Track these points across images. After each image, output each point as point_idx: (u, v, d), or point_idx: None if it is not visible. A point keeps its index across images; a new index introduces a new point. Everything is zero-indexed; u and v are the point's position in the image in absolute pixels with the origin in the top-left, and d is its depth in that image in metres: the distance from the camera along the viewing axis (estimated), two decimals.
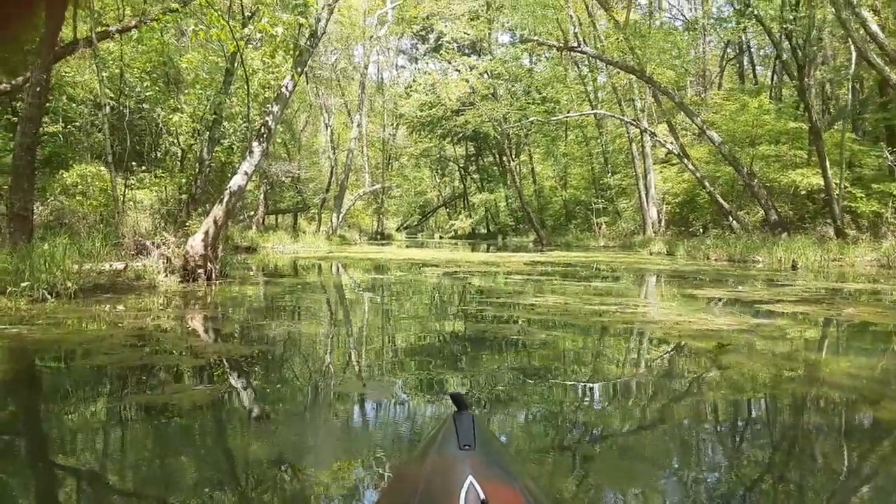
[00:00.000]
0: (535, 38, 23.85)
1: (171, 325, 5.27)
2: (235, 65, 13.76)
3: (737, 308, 6.72)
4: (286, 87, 9.78)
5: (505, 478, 1.21)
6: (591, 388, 3.60)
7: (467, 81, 28.55)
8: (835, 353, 4.68)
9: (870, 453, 2.66)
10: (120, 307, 6.38)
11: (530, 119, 30.50)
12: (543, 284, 9.79)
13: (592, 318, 5.74)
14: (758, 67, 36.44)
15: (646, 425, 2.91)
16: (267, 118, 9.68)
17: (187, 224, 10.76)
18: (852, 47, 20.48)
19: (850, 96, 21.16)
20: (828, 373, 3.93)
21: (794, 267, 14.52)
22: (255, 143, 9.51)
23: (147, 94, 13.40)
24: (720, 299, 7.56)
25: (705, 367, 4.03)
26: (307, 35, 9.81)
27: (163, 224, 13.79)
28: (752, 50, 35.56)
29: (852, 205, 19.24)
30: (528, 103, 32.93)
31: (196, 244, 8.87)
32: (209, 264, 8.87)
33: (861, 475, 2.47)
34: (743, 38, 33.08)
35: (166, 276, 8.79)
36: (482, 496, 1.07)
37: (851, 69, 19.93)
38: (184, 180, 15.13)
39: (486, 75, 31.07)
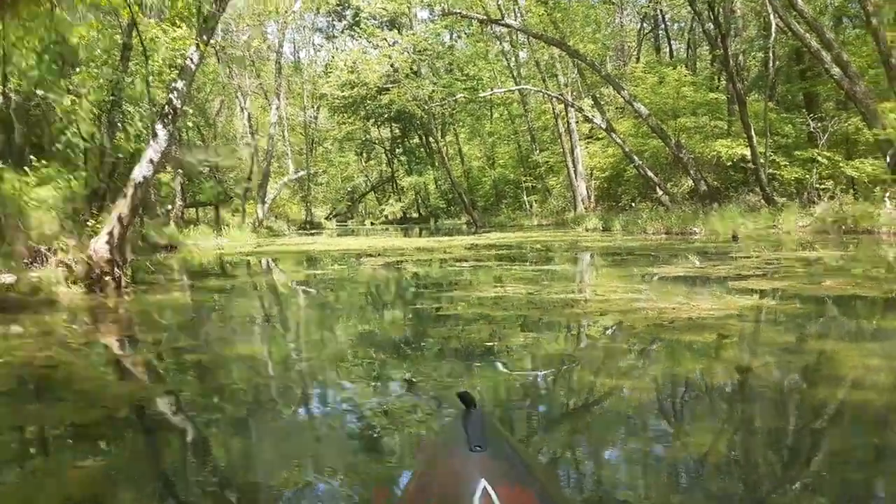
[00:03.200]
0: (458, 10, 23.09)
1: (64, 357, 4.26)
2: (133, 37, 12.40)
3: (711, 288, 6.25)
4: (191, 59, 8.68)
5: (518, 479, 1.18)
6: (600, 415, 2.93)
7: (389, 57, 27.53)
8: (844, 337, 4.19)
9: None
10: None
11: (456, 96, 29.82)
12: (494, 271, 9.14)
13: (566, 311, 5.09)
14: (673, 42, 36.93)
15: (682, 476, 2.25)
16: (171, 96, 8.57)
17: (89, 224, 9.51)
18: (772, 16, 20.73)
19: (771, 65, 21.39)
20: (854, 368, 3.39)
21: (734, 237, 14.45)
22: (159, 126, 8.40)
23: (32, 73, 11.88)
24: (687, 278, 7.10)
25: (723, 374, 3.43)
26: None
27: (71, 225, 12.38)
28: (667, 24, 35.97)
29: (776, 172, 19.49)
30: (454, 80, 32.27)
31: (100, 247, 7.75)
32: (117, 270, 7.76)
33: None
34: (659, 11, 33.37)
35: (69, 286, 7.64)
36: (496, 501, 1.05)
37: (772, 38, 20.11)
38: (84, 174, 13.64)
39: (407, 52, 30.10)
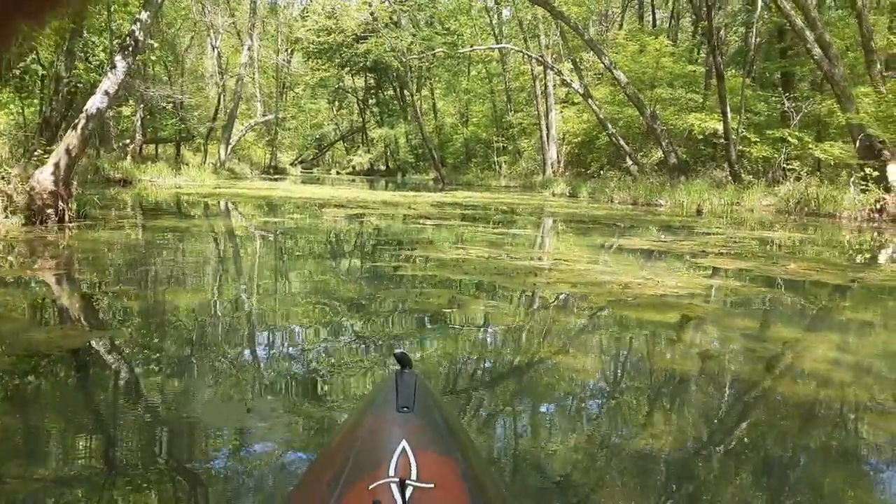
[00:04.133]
0: None
1: None
2: None
3: (676, 265, 6.14)
4: None
5: (440, 444, 1.17)
6: (545, 387, 2.78)
7: (369, 5, 26.64)
8: (808, 326, 4.10)
9: None
10: None
11: (435, 51, 29.13)
12: (458, 231, 8.93)
13: (528, 279, 4.93)
14: (656, 11, 36.53)
15: (628, 461, 2.12)
16: (133, 27, 8.02)
17: (36, 154, 8.98)
18: None
19: (753, 40, 21.28)
20: (815, 361, 3.30)
21: (698, 212, 14.48)
22: (118, 58, 7.88)
23: None
24: (651, 252, 6.99)
25: (683, 355, 3.29)
26: None
27: (21, 152, 11.75)
28: None
29: (746, 149, 19.54)
30: (434, 33, 31.51)
31: (44, 178, 7.30)
32: (61, 203, 7.34)
33: None
34: None
35: (6, 217, 7.20)
36: (413, 463, 1.05)
37: (757, 12, 19.97)
38: (35, 101, 12.93)
39: (388, 1, 29.17)
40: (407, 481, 1.00)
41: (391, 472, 1.03)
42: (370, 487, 1.01)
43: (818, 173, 16.74)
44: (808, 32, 16.24)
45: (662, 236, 8.58)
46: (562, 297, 4.44)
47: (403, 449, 1.08)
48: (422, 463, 1.06)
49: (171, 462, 1.96)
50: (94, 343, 3.03)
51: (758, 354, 3.34)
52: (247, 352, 3.10)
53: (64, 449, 2.01)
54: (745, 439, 2.30)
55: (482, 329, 3.62)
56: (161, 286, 4.57)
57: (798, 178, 16.08)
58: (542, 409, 2.56)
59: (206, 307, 3.94)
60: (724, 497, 1.87)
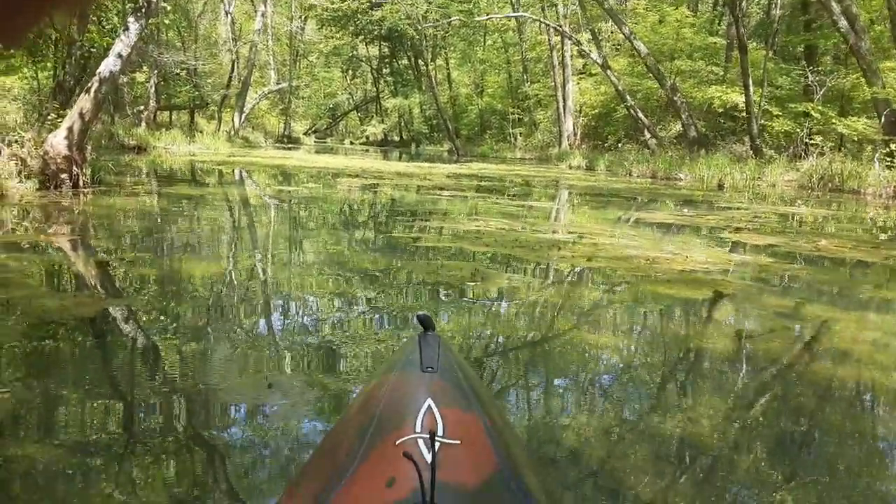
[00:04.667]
0: None
1: None
2: None
3: (702, 240, 5.98)
4: None
5: (464, 402, 1.18)
6: (576, 372, 2.67)
7: None
8: (843, 305, 3.94)
9: None
10: None
11: (451, 19, 28.64)
12: (476, 203, 8.78)
13: (551, 252, 4.78)
14: None
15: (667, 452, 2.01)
16: None
17: (50, 119, 8.88)
18: None
19: (776, 12, 20.71)
20: (854, 342, 3.16)
21: (720, 186, 14.22)
22: (131, 20, 7.71)
23: None
24: (675, 226, 6.82)
25: (717, 333, 3.16)
26: None
27: (36, 117, 11.67)
28: None
29: (767, 123, 19.14)
30: (450, 1, 30.95)
31: (58, 142, 7.20)
32: (75, 168, 7.25)
33: None
34: None
35: (21, 181, 7.13)
36: (439, 420, 1.06)
37: None
38: (48, 65, 12.80)
39: None
40: (435, 437, 1.00)
41: (418, 429, 1.04)
42: (397, 443, 1.02)
43: (842, 149, 16.36)
44: (834, 4, 15.76)
45: (685, 210, 8.39)
46: (587, 271, 4.29)
47: (429, 407, 1.09)
48: (447, 420, 1.07)
49: (189, 431, 1.91)
50: (107, 311, 2.94)
51: (795, 334, 3.20)
52: (264, 322, 3.02)
53: (80, 418, 1.93)
54: (786, 424, 2.18)
55: (506, 303, 3.50)
56: (176, 254, 4.48)
57: (821, 154, 15.74)
58: (571, 387, 2.46)
59: (222, 276, 3.84)
60: (765, 486, 1.76)
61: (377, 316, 3.13)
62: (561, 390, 2.42)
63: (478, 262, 4.41)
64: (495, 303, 3.49)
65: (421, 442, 1.01)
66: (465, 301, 3.46)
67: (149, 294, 3.33)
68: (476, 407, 1.18)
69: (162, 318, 2.89)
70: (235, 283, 3.68)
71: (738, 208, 9.11)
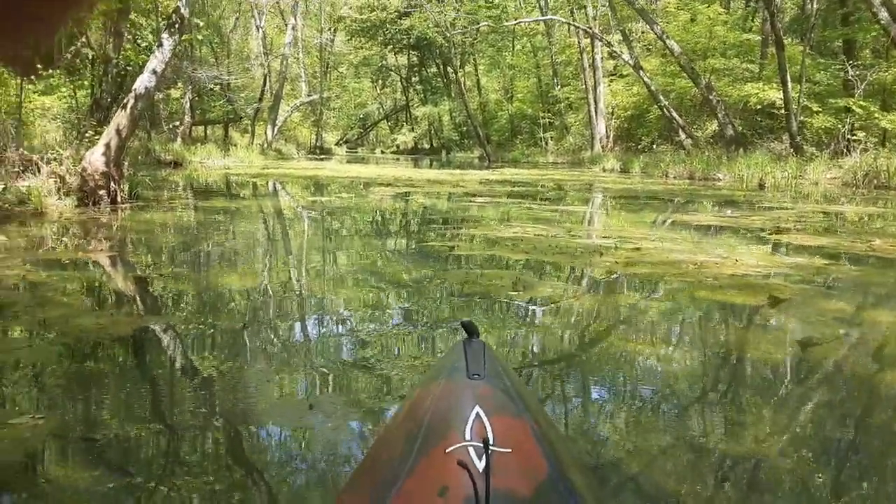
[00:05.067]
0: None
1: (37, 277, 3.83)
2: None
3: (751, 242, 5.75)
4: None
5: (512, 409, 1.17)
6: (633, 389, 2.52)
7: None
8: None
9: None
10: None
11: (480, 24, 28.59)
12: (511, 209, 8.64)
13: (594, 259, 4.62)
14: None
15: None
16: (179, 4, 7.90)
17: (87, 136, 9.01)
18: None
19: (813, 7, 20.18)
20: None
21: (761, 186, 13.84)
22: (164, 35, 7.77)
23: None
24: (719, 228, 6.59)
25: (778, 343, 2.97)
26: None
27: (75, 135, 11.88)
28: None
29: (807, 120, 18.65)
30: (478, 7, 30.94)
31: (95, 159, 7.28)
32: (112, 184, 7.31)
33: None
34: None
35: (60, 198, 7.22)
36: (488, 427, 1.05)
37: None
38: (84, 83, 13.04)
39: None
40: (489, 445, 0.98)
41: (467, 437, 1.03)
42: (447, 451, 1.01)
43: (886, 144, 15.81)
44: None
45: (728, 211, 8.14)
46: (633, 277, 4.12)
47: (478, 414, 1.08)
48: (497, 428, 1.06)
49: (230, 454, 1.84)
50: (144, 330, 2.88)
51: (860, 342, 3.00)
52: (302, 339, 2.93)
53: (118, 441, 1.85)
54: (862, 444, 2.01)
55: (552, 314, 3.36)
56: (212, 268, 4.44)
57: (865, 150, 15.24)
58: (624, 401, 2.31)
59: (258, 291, 3.78)
60: None
61: (417, 330, 3.02)
62: (613, 404, 2.28)
63: (518, 271, 4.28)
64: (540, 313, 3.35)
65: (472, 450, 1.00)
66: (510, 312, 3.33)
67: (185, 310, 3.27)
68: (524, 413, 1.18)
69: (199, 335, 2.82)
70: (272, 297, 3.61)
71: (782, 208, 8.81)
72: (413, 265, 4.60)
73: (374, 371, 2.49)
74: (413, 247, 5.62)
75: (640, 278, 4.06)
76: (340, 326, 3.07)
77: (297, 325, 3.11)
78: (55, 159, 7.38)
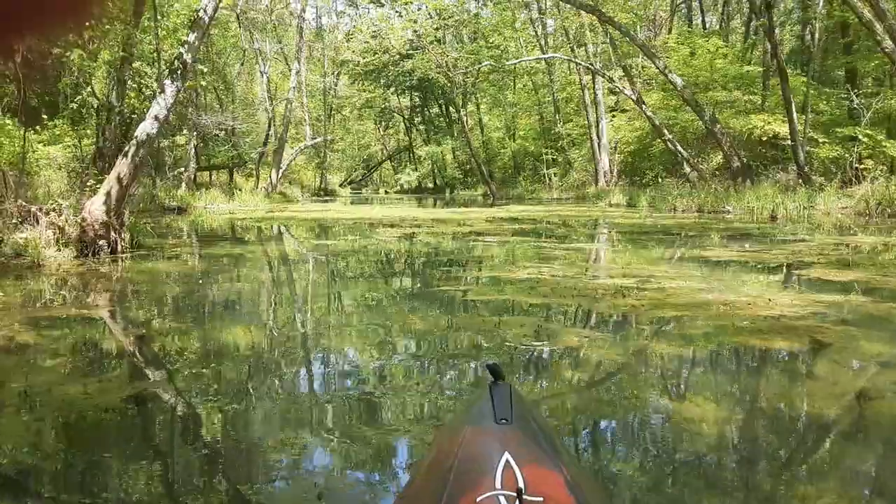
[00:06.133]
0: None
1: (25, 337, 3.58)
2: None
3: (778, 278, 5.50)
4: (205, 11, 7.91)
5: (543, 456, 1.14)
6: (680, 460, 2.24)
7: (414, 22, 26.49)
8: None
9: None
10: None
11: (482, 64, 28.81)
12: (521, 248, 8.42)
13: (617, 301, 4.35)
14: (706, 14, 35.61)
15: None
16: (181, 49, 7.81)
17: (88, 185, 8.88)
18: None
19: (816, 36, 20.24)
20: None
21: (773, 218, 13.62)
22: (167, 82, 7.67)
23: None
24: (744, 264, 6.32)
25: (829, 396, 2.69)
26: None
27: (79, 184, 11.80)
28: None
29: (813, 150, 18.54)
30: (479, 48, 31.30)
31: (95, 209, 7.10)
32: (113, 233, 7.13)
33: None
34: None
35: (58, 250, 7.02)
36: (519, 475, 1.03)
37: (819, 5, 18.97)
38: (88, 132, 13.01)
39: (432, 17, 29.03)
40: (522, 495, 0.96)
41: (498, 485, 1.01)
42: (477, 500, 0.99)
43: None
44: (877, 24, 15.26)
45: (747, 245, 7.89)
46: (663, 322, 3.83)
47: (507, 462, 1.05)
48: (528, 476, 1.03)
49: None
50: (135, 398, 2.61)
51: None
52: (309, 409, 2.62)
53: None
54: None
55: (581, 367, 3.08)
56: (214, 322, 4.19)
57: (875, 179, 15.05)
58: (668, 463, 2.04)
59: (262, 349, 3.51)
60: None
61: (437, 391, 2.75)
62: (654, 465, 2.01)
63: (538, 317, 4.02)
64: (569, 365, 3.08)
65: (503, 499, 0.97)
66: (536, 365, 3.06)
67: (183, 372, 3.01)
68: (555, 460, 1.14)
69: (194, 405, 2.56)
70: (276, 357, 3.33)
71: (799, 240, 8.56)
72: (426, 314, 4.34)
73: (391, 443, 2.22)
74: (424, 293, 5.36)
75: (671, 322, 3.78)
76: (352, 391, 2.79)
77: (305, 389, 2.84)
78: (54, 209, 7.21)
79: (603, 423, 2.48)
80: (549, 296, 4.60)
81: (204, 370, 3.00)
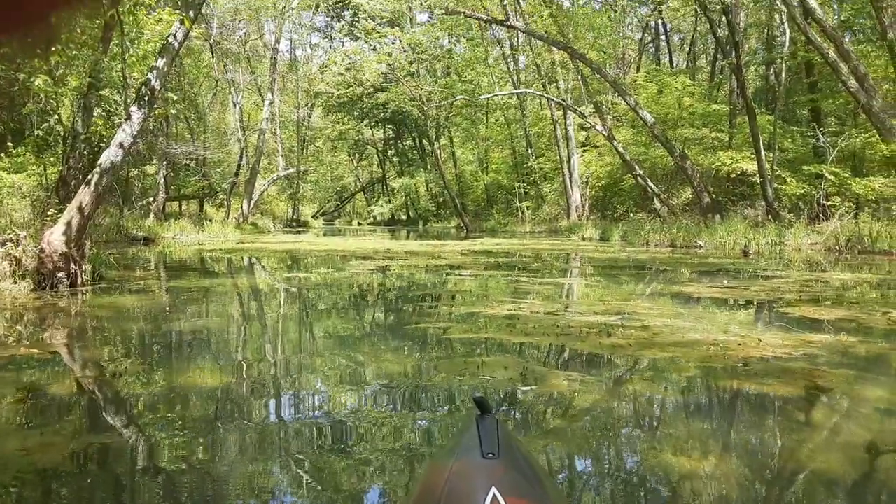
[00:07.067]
0: (463, 10, 22.21)
1: None
2: (115, 16, 11.35)
3: (763, 316, 5.39)
4: (174, 37, 7.70)
5: (530, 491, 1.15)
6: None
7: (389, 56, 26.61)
8: None
9: None
10: None
11: (456, 97, 29.01)
12: (500, 283, 8.25)
13: (602, 340, 4.18)
14: (673, 53, 36.52)
15: None
16: (150, 76, 7.59)
17: (49, 214, 8.53)
18: (785, 25, 20.04)
19: (783, 76, 20.75)
20: None
21: (745, 253, 13.70)
22: (133, 108, 7.42)
23: (1, 50, 10.80)
24: (726, 302, 6.22)
25: (836, 449, 2.53)
26: None
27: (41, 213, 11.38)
28: (668, 34, 35.63)
29: (780, 187, 18.89)
30: (453, 82, 31.57)
31: (54, 239, 6.77)
32: (73, 265, 6.79)
33: None
34: (660, 22, 32.90)
35: (14, 282, 6.67)
36: None
37: (785, 46, 19.45)
38: (53, 159, 12.63)
39: (405, 52, 29.21)
40: None
41: None
42: None
43: (868, 208, 15.90)
44: (842, 65, 15.68)
45: (724, 281, 7.82)
46: (654, 364, 3.65)
47: (494, 496, 1.05)
48: None
49: None
50: (82, 454, 2.33)
51: None
52: (285, 465, 2.40)
53: None
54: None
55: (572, 415, 2.88)
56: (177, 364, 3.92)
57: (842, 215, 15.31)
58: None
59: (227, 394, 3.24)
60: None
61: (416, 442, 2.53)
62: None
63: (522, 358, 3.82)
64: (558, 413, 2.88)
65: None
66: (523, 412, 2.86)
67: (137, 423, 2.74)
68: (543, 496, 1.15)
69: (151, 460, 2.30)
70: (244, 406, 3.05)
71: (776, 276, 8.54)
72: (403, 354, 4.11)
73: (368, 496, 1.99)
74: (401, 330, 5.14)
75: (661, 365, 3.61)
76: (326, 445, 2.55)
77: (275, 443, 2.59)
78: (11, 240, 6.86)
79: (592, 469, 2.29)
80: (532, 334, 4.42)
81: (162, 419, 2.73)
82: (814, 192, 17.98)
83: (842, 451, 2.45)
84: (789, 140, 21.15)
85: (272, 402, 3.12)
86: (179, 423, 2.69)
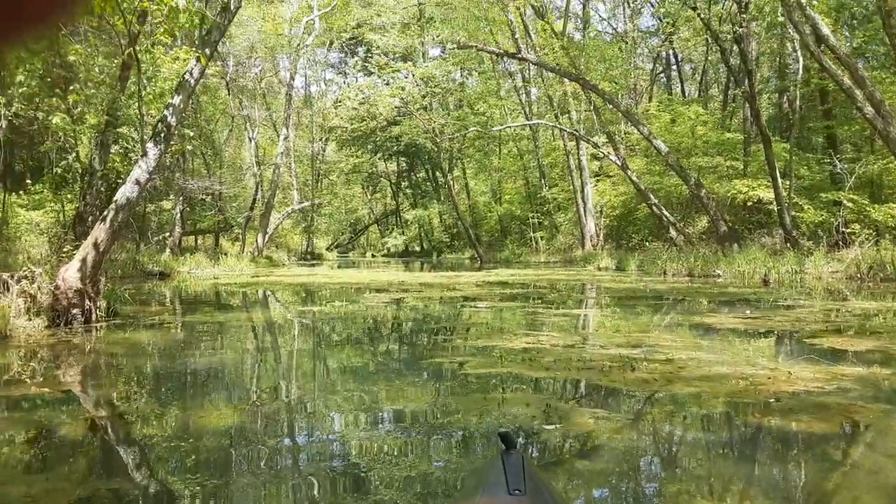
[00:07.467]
0: (474, 44, 22.45)
1: None
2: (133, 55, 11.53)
3: (791, 348, 5.23)
4: (190, 74, 7.78)
5: None
6: None
7: (402, 90, 26.89)
8: None
9: None
10: None
11: (469, 129, 29.19)
12: (514, 314, 8.12)
13: (627, 375, 4.05)
14: (685, 83, 36.61)
15: None
16: (166, 112, 7.65)
17: (65, 251, 8.56)
18: (798, 53, 20.06)
19: (797, 103, 20.69)
20: None
21: (765, 282, 13.47)
22: (149, 145, 7.47)
23: (21, 90, 11.02)
24: (751, 333, 6.06)
25: (883, 490, 2.39)
26: (219, 9, 7.84)
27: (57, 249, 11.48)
28: (679, 64, 35.75)
29: (797, 214, 18.71)
30: (465, 114, 31.79)
31: (69, 276, 6.76)
32: (88, 301, 6.77)
33: None
34: (671, 52, 33.05)
35: (29, 319, 6.65)
36: None
37: (799, 75, 19.45)
38: (71, 196, 12.77)
39: (418, 86, 29.52)
40: None
41: None
42: None
43: (888, 235, 15.66)
44: (857, 92, 15.59)
45: (747, 311, 7.65)
46: (682, 400, 3.49)
47: None
48: None
49: None
50: (86, 502, 2.24)
51: None
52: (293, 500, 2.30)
53: None
54: None
55: (601, 457, 2.74)
56: (192, 402, 3.83)
57: (863, 243, 15.08)
58: None
59: (242, 435, 3.13)
60: None
61: (436, 488, 2.42)
62: None
63: (544, 394, 3.70)
64: (586, 456, 2.75)
65: None
66: (549, 455, 2.73)
67: (147, 466, 2.65)
68: None
69: None
70: (260, 447, 2.96)
71: (799, 306, 8.35)
72: (421, 391, 4.00)
73: None
74: (417, 365, 5.03)
75: (689, 400, 3.47)
76: (345, 490, 2.44)
77: (290, 486, 2.50)
78: (26, 277, 6.86)
79: None
80: (552, 368, 4.29)
81: (173, 462, 2.64)
82: (832, 219, 17.79)
83: (885, 492, 2.30)
84: (805, 167, 21.01)
85: (287, 443, 3.01)
86: (191, 465, 2.60)
